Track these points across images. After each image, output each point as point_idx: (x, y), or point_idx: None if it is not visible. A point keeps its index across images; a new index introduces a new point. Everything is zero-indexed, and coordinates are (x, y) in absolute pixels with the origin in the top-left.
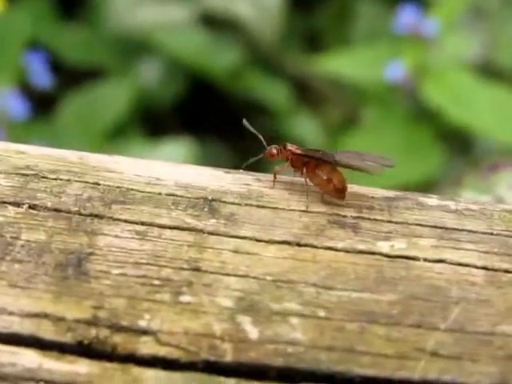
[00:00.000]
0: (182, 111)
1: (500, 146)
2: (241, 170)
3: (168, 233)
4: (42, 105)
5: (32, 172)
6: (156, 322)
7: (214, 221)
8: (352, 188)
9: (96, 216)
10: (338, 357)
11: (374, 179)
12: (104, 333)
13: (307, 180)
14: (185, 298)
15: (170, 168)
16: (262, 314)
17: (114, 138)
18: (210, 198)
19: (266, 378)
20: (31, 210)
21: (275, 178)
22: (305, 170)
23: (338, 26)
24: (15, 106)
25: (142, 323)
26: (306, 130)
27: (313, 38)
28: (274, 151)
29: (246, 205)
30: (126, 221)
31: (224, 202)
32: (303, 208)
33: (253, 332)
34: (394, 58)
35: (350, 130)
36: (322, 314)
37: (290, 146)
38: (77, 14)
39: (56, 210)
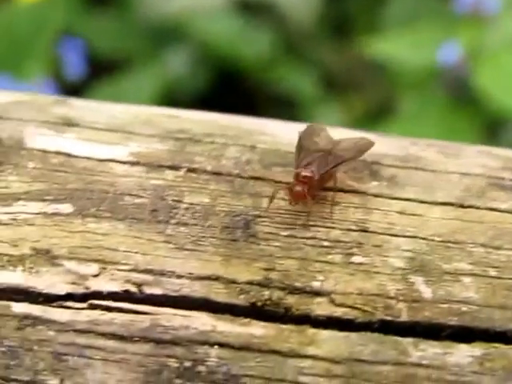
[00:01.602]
0: (206, 103)
1: None
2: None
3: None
4: (69, 95)
5: (186, 136)
6: (329, 283)
7: (376, 183)
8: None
9: (258, 178)
10: (510, 315)
11: None
12: (277, 294)
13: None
14: (356, 259)
15: None
16: (434, 274)
17: None
18: (369, 160)
19: (440, 338)
20: (190, 174)
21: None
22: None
23: (370, 11)
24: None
25: (316, 284)
26: (333, 121)
27: (343, 25)
28: (299, 189)
29: (405, 167)
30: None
31: (383, 164)
32: (462, 171)
33: (426, 291)
34: (444, 40)
35: (385, 120)
36: (493, 273)
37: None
38: (107, 2)
39: (216, 173)
